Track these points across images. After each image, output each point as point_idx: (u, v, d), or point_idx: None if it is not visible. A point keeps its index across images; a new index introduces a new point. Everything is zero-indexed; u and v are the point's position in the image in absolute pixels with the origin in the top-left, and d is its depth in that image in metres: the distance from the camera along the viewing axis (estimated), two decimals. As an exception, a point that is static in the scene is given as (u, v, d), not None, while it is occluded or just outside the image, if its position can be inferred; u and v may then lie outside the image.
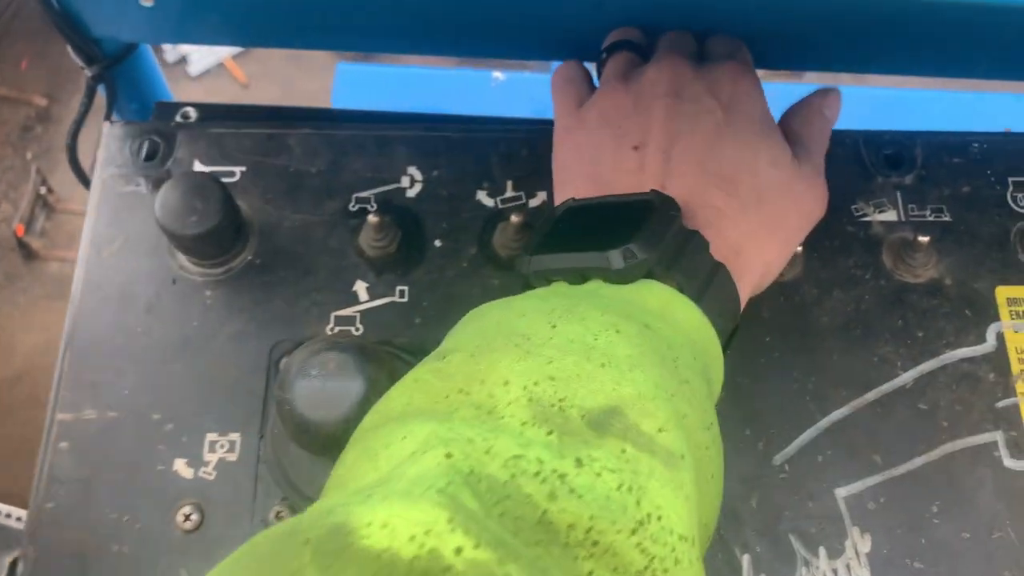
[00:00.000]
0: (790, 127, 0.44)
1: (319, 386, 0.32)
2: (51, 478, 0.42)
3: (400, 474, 0.26)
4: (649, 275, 0.35)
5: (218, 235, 0.43)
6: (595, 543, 0.26)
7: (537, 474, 0.27)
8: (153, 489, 0.42)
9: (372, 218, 0.44)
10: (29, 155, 1.62)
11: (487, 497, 0.26)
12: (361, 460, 0.28)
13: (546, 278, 0.38)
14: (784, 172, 0.41)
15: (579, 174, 0.42)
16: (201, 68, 1.79)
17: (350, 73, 0.95)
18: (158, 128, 0.49)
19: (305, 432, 0.33)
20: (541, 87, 0.46)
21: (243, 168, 0.48)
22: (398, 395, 0.31)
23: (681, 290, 0.35)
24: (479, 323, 0.35)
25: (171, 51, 1.78)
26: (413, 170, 0.48)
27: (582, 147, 0.43)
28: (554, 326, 0.32)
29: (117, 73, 0.50)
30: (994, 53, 0.44)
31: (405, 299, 0.45)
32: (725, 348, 0.37)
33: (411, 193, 0.48)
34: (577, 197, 0.41)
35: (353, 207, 0.47)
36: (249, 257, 0.46)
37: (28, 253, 1.62)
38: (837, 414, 0.44)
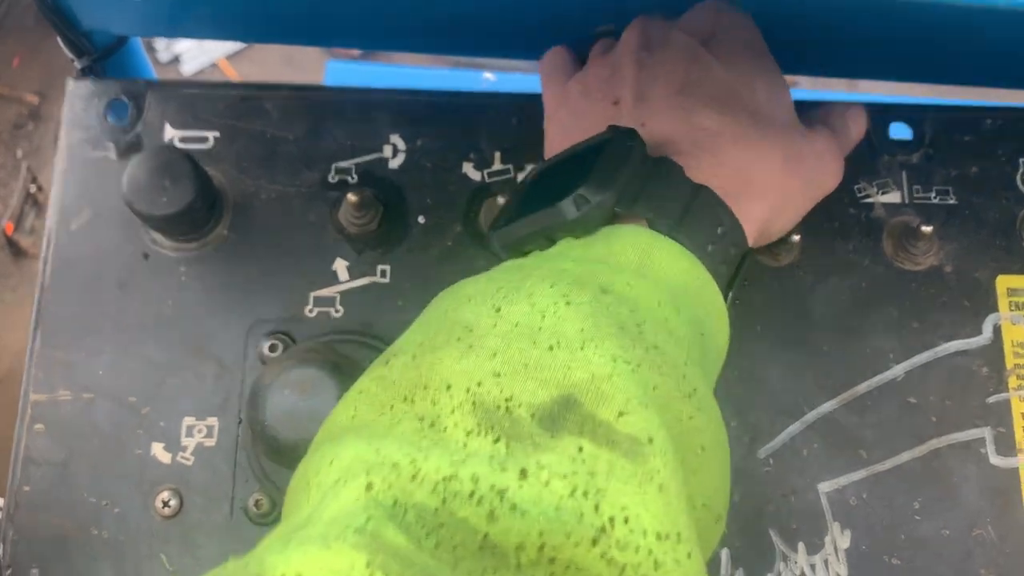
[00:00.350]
0: (809, 117, 0.42)
1: (291, 406, 0.31)
2: (27, 460, 0.41)
3: (319, 514, 0.24)
4: (616, 219, 0.33)
5: (190, 214, 0.41)
6: (552, 560, 0.24)
7: (472, 495, 0.24)
8: (131, 474, 0.41)
9: (351, 196, 0.42)
10: (19, 153, 1.57)
11: (417, 528, 0.24)
12: (298, 489, 0.27)
13: (519, 251, 0.36)
14: (786, 108, 0.39)
15: (563, 146, 0.40)
16: (194, 68, 1.72)
17: (340, 71, 0.92)
18: (127, 87, 0.46)
19: (278, 452, 0.32)
20: (532, 88, 0.44)
21: (216, 133, 0.46)
22: (344, 409, 0.29)
23: (652, 226, 0.33)
24: (427, 315, 0.32)
25: (164, 51, 1.71)
26: (396, 139, 0.46)
27: (566, 122, 0.40)
28: (499, 310, 0.29)
29: (107, 66, 0.48)
30: (985, 58, 0.41)
31: (387, 279, 0.44)
32: (732, 280, 0.34)
33: (394, 164, 0.46)
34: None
35: (333, 178, 0.45)
36: (224, 232, 0.44)
37: (17, 251, 1.58)
38: (825, 407, 0.43)
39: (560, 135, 0.40)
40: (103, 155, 0.45)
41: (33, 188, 1.57)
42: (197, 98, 0.46)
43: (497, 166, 0.46)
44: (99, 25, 0.45)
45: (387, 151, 0.46)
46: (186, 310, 0.43)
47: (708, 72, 0.38)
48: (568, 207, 0.32)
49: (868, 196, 0.46)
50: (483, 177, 0.46)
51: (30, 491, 0.41)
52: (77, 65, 0.47)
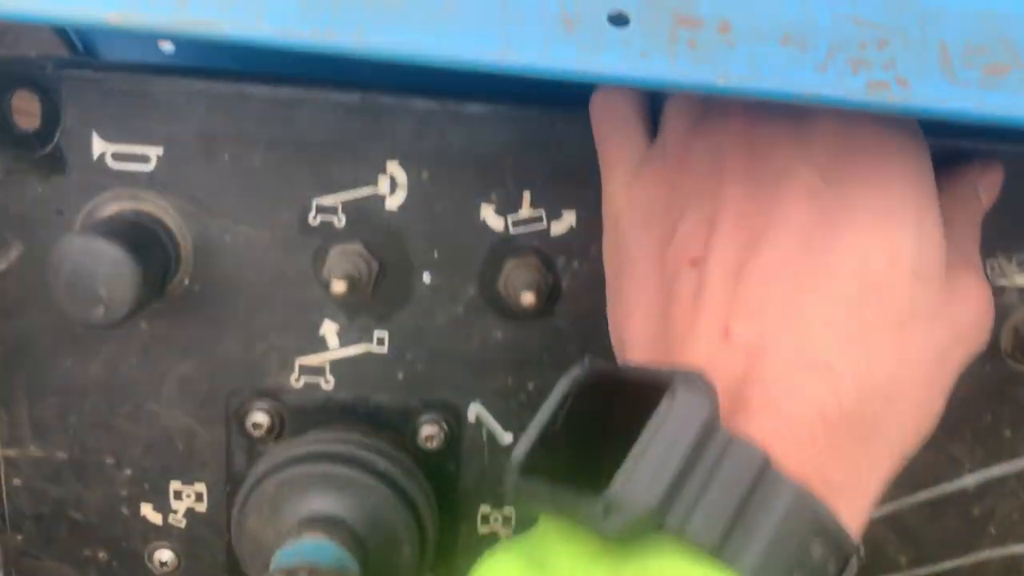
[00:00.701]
0: None
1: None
2: (14, 511, 0.39)
3: None
4: (663, 527, 0.24)
5: (139, 309, 0.33)
6: None
7: None
8: (122, 532, 0.39)
9: (338, 285, 0.33)
10: None
11: None
12: None
13: (535, 512, 0.29)
14: (936, 276, 0.28)
15: (623, 309, 0.31)
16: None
17: None
18: (33, 72, 0.34)
19: None
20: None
21: (159, 150, 0.35)
22: None
23: (712, 550, 0.24)
24: None
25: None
26: (395, 168, 0.35)
27: (636, 260, 0.30)
28: None
29: None
30: None
31: (384, 349, 0.37)
32: None
33: (392, 204, 0.35)
34: (622, 355, 0.31)
35: (314, 219, 0.35)
36: (186, 281, 0.36)
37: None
38: (874, 514, 0.38)
39: (622, 276, 0.31)
40: (22, 172, 0.35)
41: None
42: (128, 97, 0.34)
43: (526, 211, 0.35)
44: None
45: (383, 185, 0.35)
46: (154, 371, 0.37)
47: (829, 252, 0.27)
48: (595, 513, 0.25)
49: (1002, 275, 0.36)
50: (506, 225, 0.35)
51: (23, 540, 0.40)
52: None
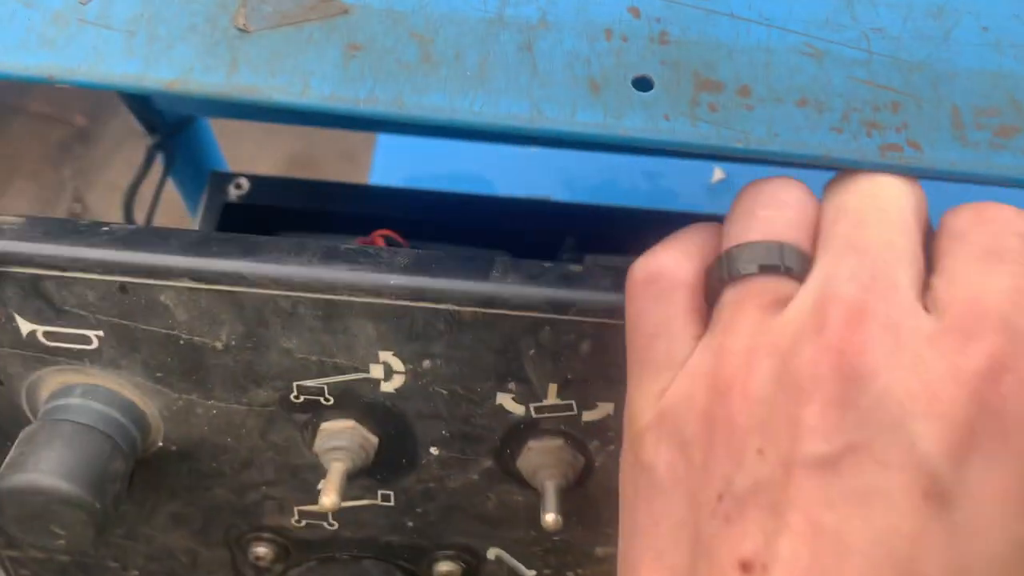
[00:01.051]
0: None
1: None
2: (29, 590, 0.39)
3: None
4: None
5: (108, 527, 0.29)
6: None
7: None
8: (142, 610, 0.39)
9: (329, 499, 0.28)
10: (67, 173, 1.55)
11: None
12: None
13: None
14: None
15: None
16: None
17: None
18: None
19: None
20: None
21: (99, 332, 0.28)
22: None
23: None
24: None
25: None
26: (389, 357, 0.28)
27: (659, 520, 0.22)
28: None
29: (176, 142, 0.51)
30: None
31: (391, 503, 0.32)
32: None
33: (388, 387, 0.29)
34: None
35: (297, 398, 0.29)
36: (160, 443, 0.31)
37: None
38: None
39: (631, 514, 0.23)
40: (-60, 344, 0.29)
41: (78, 208, 1.51)
42: (44, 285, 0.27)
43: (552, 400, 0.29)
44: (171, 107, 0.46)
45: (376, 371, 0.28)
46: (143, 508, 0.34)
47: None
48: None
49: None
50: (529, 411, 0.29)
51: (45, 609, 0.40)
52: (148, 141, 0.49)
